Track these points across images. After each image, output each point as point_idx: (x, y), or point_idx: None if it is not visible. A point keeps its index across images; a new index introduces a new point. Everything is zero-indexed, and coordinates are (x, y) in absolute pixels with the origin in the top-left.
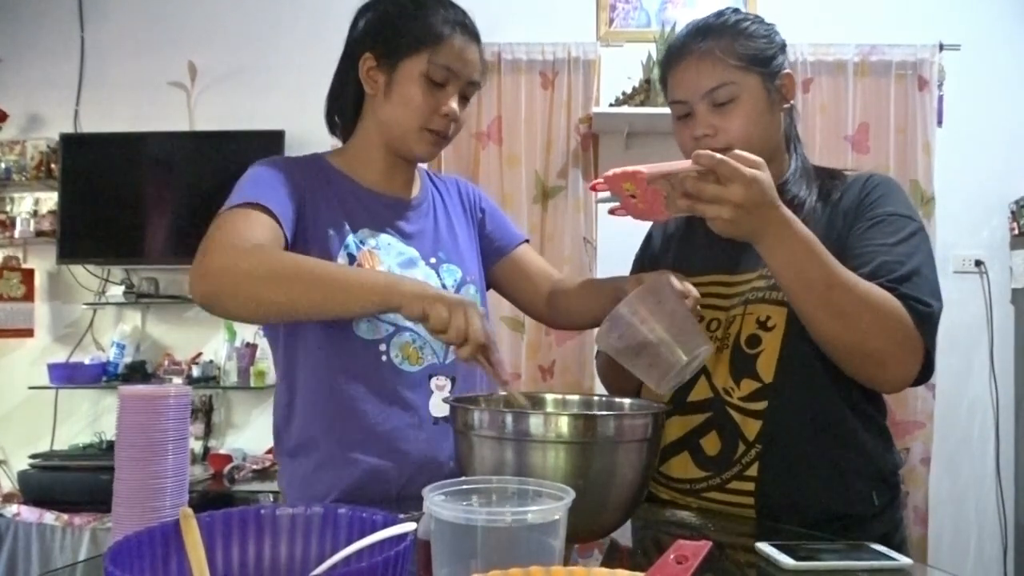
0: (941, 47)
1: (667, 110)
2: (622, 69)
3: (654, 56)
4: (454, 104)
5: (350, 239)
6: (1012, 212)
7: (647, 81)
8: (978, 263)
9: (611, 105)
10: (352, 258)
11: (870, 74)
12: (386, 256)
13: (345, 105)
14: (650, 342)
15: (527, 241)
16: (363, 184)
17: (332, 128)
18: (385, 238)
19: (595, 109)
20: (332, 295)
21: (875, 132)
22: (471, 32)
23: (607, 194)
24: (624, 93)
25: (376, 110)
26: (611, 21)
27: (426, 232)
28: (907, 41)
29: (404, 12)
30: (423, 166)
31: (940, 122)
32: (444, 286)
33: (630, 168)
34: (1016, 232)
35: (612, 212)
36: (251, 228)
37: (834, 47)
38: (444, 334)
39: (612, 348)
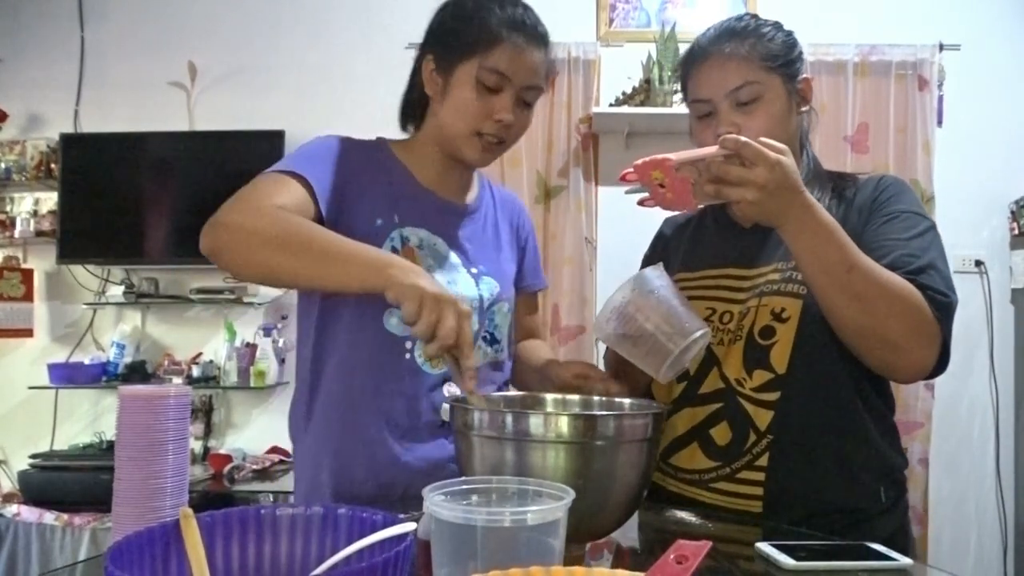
0: (941, 47)
1: (667, 110)
2: (622, 69)
3: (654, 56)
4: (507, 111)
5: (396, 233)
6: (1012, 212)
7: (647, 81)
8: (978, 263)
9: (611, 105)
10: (396, 251)
11: (870, 74)
12: (428, 257)
13: (412, 102)
14: (646, 330)
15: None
16: (419, 180)
17: (404, 122)
18: (431, 238)
19: (595, 109)
20: (330, 266)
21: (875, 132)
22: (530, 34)
23: (636, 185)
24: (624, 93)
25: (436, 111)
26: (611, 21)
27: (473, 240)
28: (907, 41)
29: (462, 13)
30: (484, 174)
31: (940, 122)
32: (481, 297)
33: (658, 156)
34: (1016, 232)
35: (641, 203)
36: (278, 193)
37: (834, 47)
38: (414, 327)
39: (610, 338)
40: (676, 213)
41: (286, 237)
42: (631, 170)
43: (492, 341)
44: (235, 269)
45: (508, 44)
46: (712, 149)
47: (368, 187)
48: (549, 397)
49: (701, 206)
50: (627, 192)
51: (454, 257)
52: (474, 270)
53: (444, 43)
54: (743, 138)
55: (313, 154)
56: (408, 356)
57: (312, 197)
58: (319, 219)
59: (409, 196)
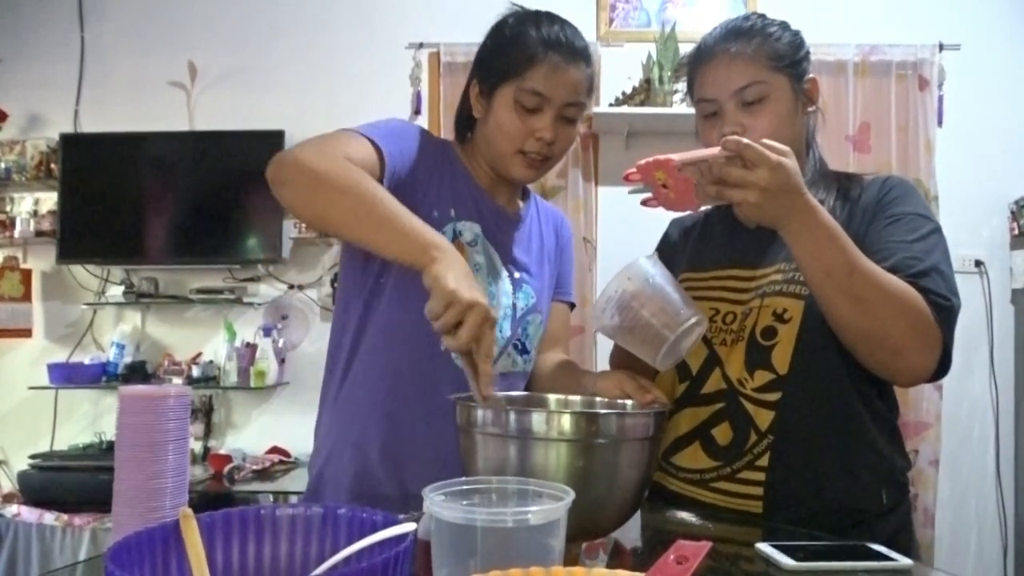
0: (941, 47)
1: (667, 110)
2: (622, 69)
3: (654, 56)
4: (548, 129)
5: (450, 226)
6: (1012, 212)
7: (647, 81)
8: (978, 263)
9: (611, 105)
10: None
11: (870, 74)
12: (477, 255)
13: (463, 121)
14: (642, 318)
15: (572, 306)
16: (477, 182)
17: (459, 138)
18: (483, 238)
19: (595, 109)
20: (380, 229)
21: (876, 132)
22: (568, 52)
23: (639, 185)
24: (624, 93)
25: (481, 131)
26: (611, 21)
27: (519, 248)
28: (907, 41)
29: (501, 39)
30: (532, 189)
31: (940, 122)
32: (515, 305)
33: (661, 156)
34: (1016, 232)
35: (644, 203)
36: (352, 148)
37: (834, 47)
38: (435, 323)
39: (607, 328)
40: (682, 215)
41: (348, 188)
42: (634, 170)
43: (523, 351)
44: (292, 205)
45: (545, 64)
46: (715, 150)
47: (432, 179)
48: (551, 396)
49: (704, 207)
50: (630, 192)
51: (499, 260)
52: (516, 275)
53: (485, 67)
54: (745, 140)
55: (394, 131)
56: (443, 347)
57: (383, 165)
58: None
59: (468, 194)
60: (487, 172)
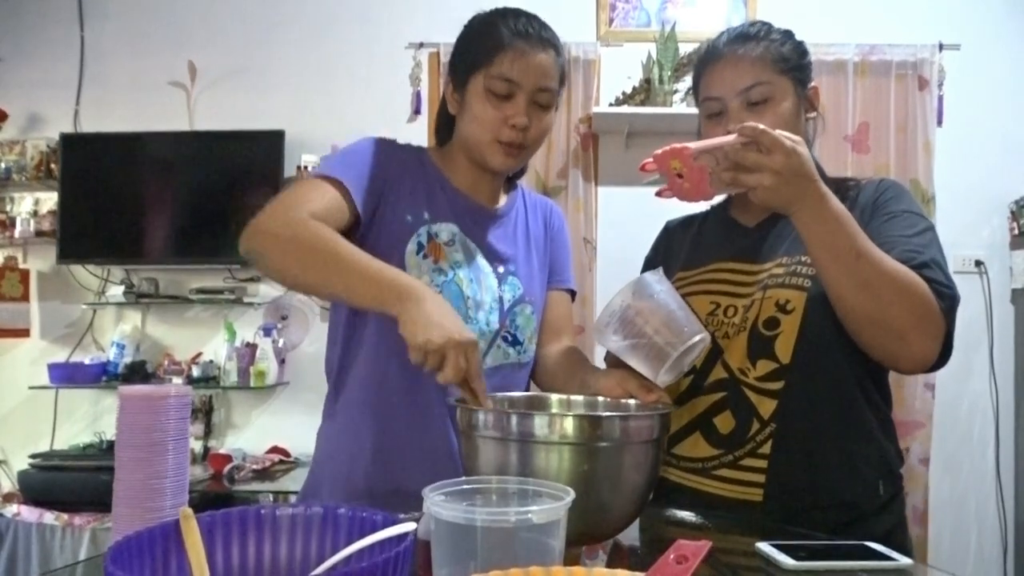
0: (941, 47)
1: (667, 110)
2: (622, 69)
3: (654, 56)
4: (520, 114)
5: (424, 229)
6: (1012, 212)
7: (647, 81)
8: (978, 263)
9: (611, 105)
10: (421, 247)
11: (870, 74)
12: (455, 253)
13: (442, 122)
14: (645, 334)
15: (572, 293)
16: (452, 184)
17: (439, 141)
18: (461, 236)
19: (595, 109)
20: (346, 280)
21: (875, 132)
22: (535, 39)
23: (653, 176)
24: (624, 93)
25: (458, 127)
26: (611, 21)
27: (502, 242)
28: (907, 41)
29: (470, 33)
30: (521, 183)
31: (940, 122)
32: (502, 299)
33: (677, 145)
34: (1016, 232)
35: (659, 194)
36: (313, 198)
37: (834, 47)
38: (422, 368)
39: (609, 342)
40: (679, 216)
41: (313, 250)
42: (650, 160)
43: (514, 342)
44: (270, 274)
45: (512, 50)
46: (730, 138)
47: (403, 185)
48: (554, 398)
49: (715, 199)
50: (646, 183)
51: (481, 256)
52: (500, 270)
53: (457, 63)
54: (760, 126)
55: (351, 156)
56: None
57: (348, 199)
58: (355, 219)
59: (442, 195)
60: (467, 170)
